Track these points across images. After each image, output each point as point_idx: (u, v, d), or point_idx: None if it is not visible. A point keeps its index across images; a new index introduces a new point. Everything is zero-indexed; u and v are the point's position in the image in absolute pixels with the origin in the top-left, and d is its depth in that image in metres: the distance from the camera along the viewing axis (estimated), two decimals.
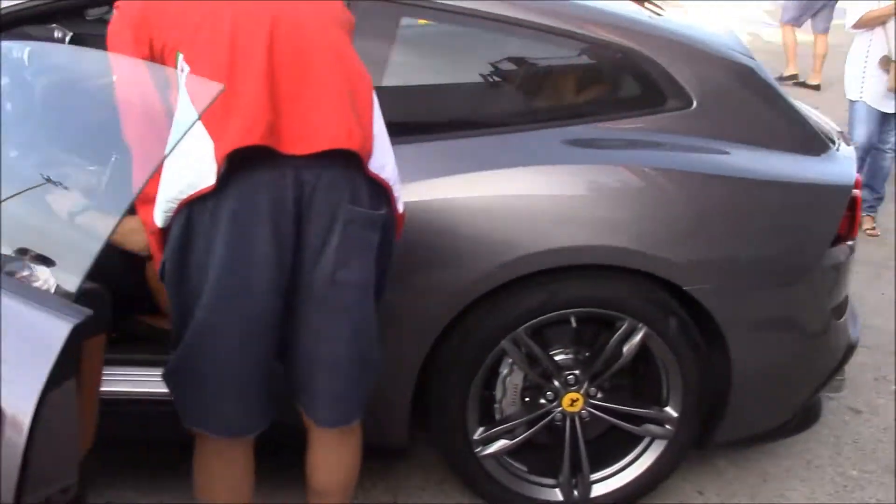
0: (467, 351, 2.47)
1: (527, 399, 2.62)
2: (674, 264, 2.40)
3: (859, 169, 4.44)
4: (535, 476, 2.67)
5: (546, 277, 2.42)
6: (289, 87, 1.68)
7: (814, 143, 2.65)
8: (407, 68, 2.43)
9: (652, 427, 2.63)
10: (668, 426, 2.62)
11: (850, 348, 2.77)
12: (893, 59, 4.89)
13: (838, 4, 8.13)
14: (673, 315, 2.47)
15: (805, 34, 8.88)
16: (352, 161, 1.74)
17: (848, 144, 2.82)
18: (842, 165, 2.64)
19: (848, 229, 2.59)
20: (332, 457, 2.04)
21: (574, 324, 2.53)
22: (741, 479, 2.97)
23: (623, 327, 2.48)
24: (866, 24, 5.02)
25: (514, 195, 2.36)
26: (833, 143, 2.70)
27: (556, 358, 2.57)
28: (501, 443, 2.59)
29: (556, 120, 2.50)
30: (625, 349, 2.51)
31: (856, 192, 2.59)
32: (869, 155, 5.15)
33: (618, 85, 2.63)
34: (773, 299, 2.54)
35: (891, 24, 4.92)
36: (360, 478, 2.81)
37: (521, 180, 2.38)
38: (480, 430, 2.57)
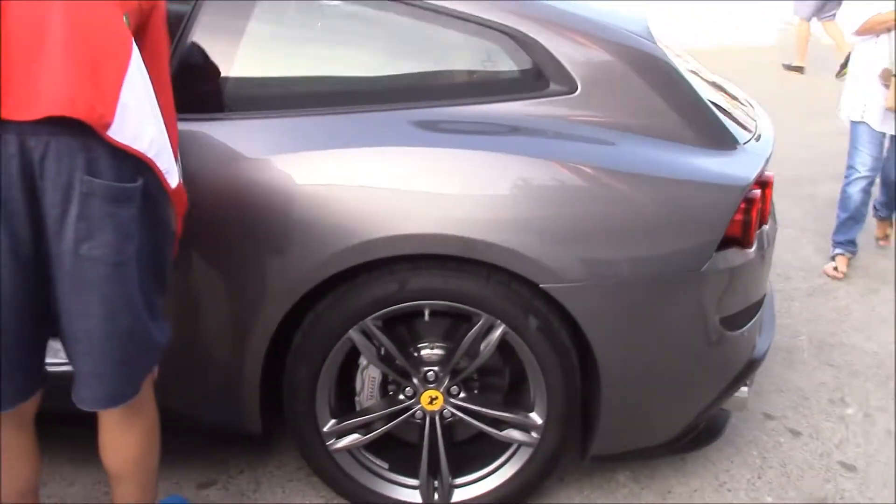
0: (315, 339, 2.35)
1: (390, 393, 2.50)
2: (528, 259, 2.22)
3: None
4: (396, 475, 2.54)
5: (400, 266, 2.29)
6: (18, 52, 1.60)
7: (715, 137, 2.41)
8: (253, 39, 2.32)
9: (515, 433, 2.46)
10: (533, 433, 2.45)
11: (752, 364, 2.53)
12: (895, 71, 4.08)
13: None
14: (533, 314, 2.30)
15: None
16: (87, 130, 1.65)
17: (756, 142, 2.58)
18: (742, 163, 2.40)
19: (743, 232, 2.36)
20: (117, 439, 1.96)
21: (427, 317, 2.39)
22: (637, 496, 2.77)
23: (479, 323, 2.33)
24: (870, 30, 4.17)
25: (359, 177, 2.22)
26: (737, 141, 2.45)
27: (423, 353, 2.44)
28: (354, 437, 2.47)
29: (416, 101, 2.33)
30: (482, 347, 2.35)
31: (755, 192, 2.36)
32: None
33: (493, 66, 2.45)
34: (648, 304, 2.33)
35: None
36: (227, 463, 2.78)
37: (367, 161, 2.25)
38: (332, 422, 2.45)
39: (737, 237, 2.35)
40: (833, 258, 4.58)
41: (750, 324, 2.50)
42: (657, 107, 2.39)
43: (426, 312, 2.38)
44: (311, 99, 2.34)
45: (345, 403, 2.53)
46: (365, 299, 2.30)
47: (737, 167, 2.38)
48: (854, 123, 4.41)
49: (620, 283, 2.28)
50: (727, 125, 2.47)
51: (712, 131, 2.43)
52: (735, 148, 2.43)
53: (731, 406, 2.59)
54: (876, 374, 3.59)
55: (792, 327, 3.96)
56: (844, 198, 4.51)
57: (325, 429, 2.45)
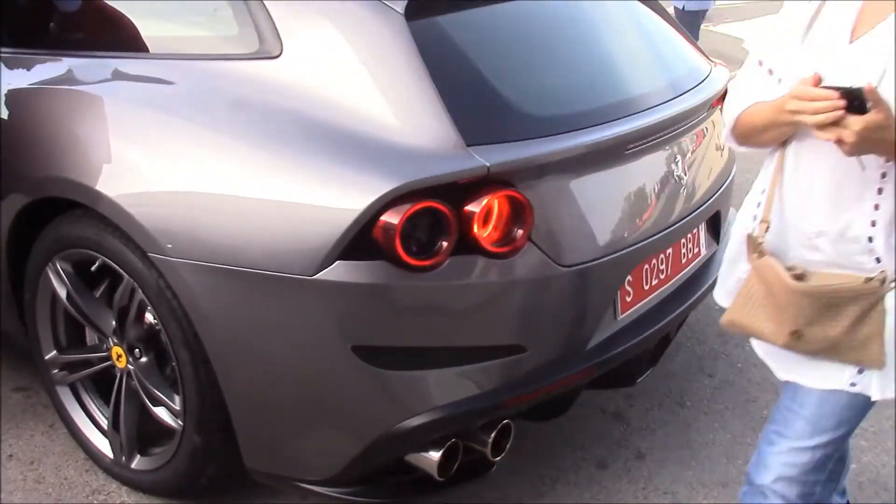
0: (30, 266, 2.44)
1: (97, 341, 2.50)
2: (136, 223, 2.04)
3: None
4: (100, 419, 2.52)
5: (74, 212, 2.26)
6: None
7: (426, 130, 1.93)
8: None
9: (164, 413, 2.27)
10: (179, 420, 2.23)
11: (431, 424, 1.97)
12: None
13: None
14: (162, 279, 2.08)
15: None
16: None
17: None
18: (426, 165, 1.88)
19: (389, 245, 1.85)
20: None
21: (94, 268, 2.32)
22: None
23: (123, 283, 2.20)
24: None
25: (37, 115, 2.25)
26: (464, 142, 1.93)
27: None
28: (63, 373, 2.51)
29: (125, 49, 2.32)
30: (131, 308, 2.22)
31: (424, 201, 1.83)
32: None
33: (214, 22, 2.25)
34: (263, 305, 1.96)
35: None
36: None
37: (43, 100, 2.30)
38: (53, 353, 2.52)
39: (385, 250, 1.86)
40: None
41: (422, 371, 1.96)
42: (362, 84, 2.00)
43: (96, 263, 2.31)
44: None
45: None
46: (50, 238, 2.33)
47: (410, 168, 1.88)
48: None
49: (230, 271, 1.97)
50: (452, 122, 1.94)
51: (422, 122, 1.95)
52: (455, 147, 1.92)
53: (424, 466, 2.05)
54: None
55: None
56: None
57: (47, 357, 2.52)
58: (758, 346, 1.83)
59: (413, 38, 2.02)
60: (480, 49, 2.15)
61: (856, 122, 1.45)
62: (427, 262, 1.89)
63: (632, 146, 2.21)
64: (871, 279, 1.60)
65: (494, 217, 1.96)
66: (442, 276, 1.92)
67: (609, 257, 2.16)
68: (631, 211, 2.25)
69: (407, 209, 1.84)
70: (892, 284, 1.60)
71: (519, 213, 1.97)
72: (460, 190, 1.92)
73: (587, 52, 2.43)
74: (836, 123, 1.47)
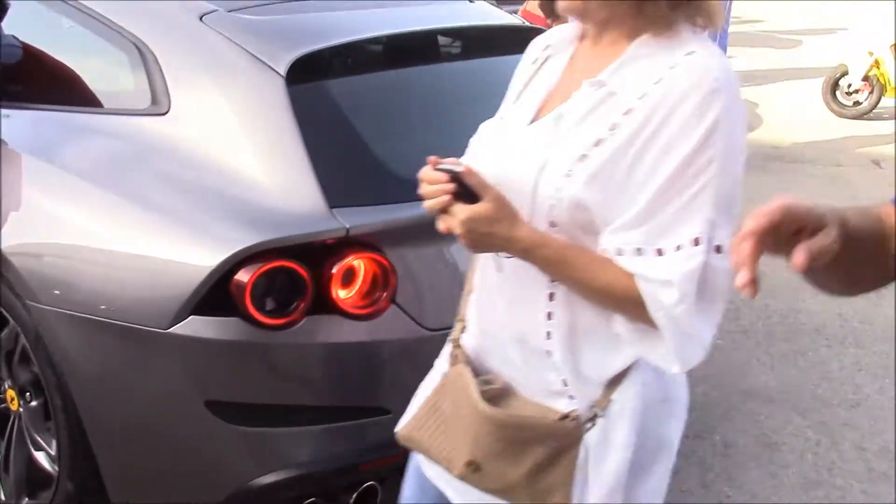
0: None
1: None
2: (13, 267, 2.09)
3: None
4: None
5: None
6: None
7: (293, 191, 1.98)
8: None
9: (42, 458, 2.30)
10: (55, 465, 2.25)
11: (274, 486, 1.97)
12: None
13: None
14: (39, 326, 2.11)
15: None
16: None
17: None
18: (273, 227, 1.91)
19: (239, 298, 1.87)
20: None
21: None
22: None
23: (10, 326, 2.25)
24: None
25: None
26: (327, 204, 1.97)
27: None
28: None
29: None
30: (16, 351, 2.27)
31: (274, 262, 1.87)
32: None
33: (118, 76, 2.35)
34: (125, 356, 2.01)
35: None
36: None
37: None
38: None
39: (238, 307, 1.89)
40: None
41: (276, 429, 1.97)
42: (237, 143, 2.05)
43: None
44: None
45: None
46: None
47: (268, 228, 1.92)
48: None
49: (96, 322, 2.01)
50: (318, 184, 1.98)
51: (289, 183, 1.99)
52: (316, 209, 1.95)
53: None
54: None
55: None
56: None
57: None
58: (430, 468, 1.49)
59: (290, 100, 2.07)
60: (357, 114, 2.19)
61: (461, 211, 1.21)
62: (280, 321, 1.91)
63: None
64: (565, 417, 1.29)
65: (358, 279, 1.98)
66: (298, 335, 1.93)
67: None
68: None
69: (258, 268, 1.87)
70: (589, 426, 1.29)
71: (382, 275, 1.99)
72: (320, 251, 1.94)
73: (469, 118, 2.45)
74: (446, 210, 1.22)
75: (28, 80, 2.52)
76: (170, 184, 2.05)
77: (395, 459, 2.09)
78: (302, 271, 1.91)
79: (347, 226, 1.94)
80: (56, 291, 2.05)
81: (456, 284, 2.10)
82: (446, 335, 2.06)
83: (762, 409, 3.34)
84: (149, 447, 2.06)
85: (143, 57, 2.21)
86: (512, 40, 2.56)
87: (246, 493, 2.00)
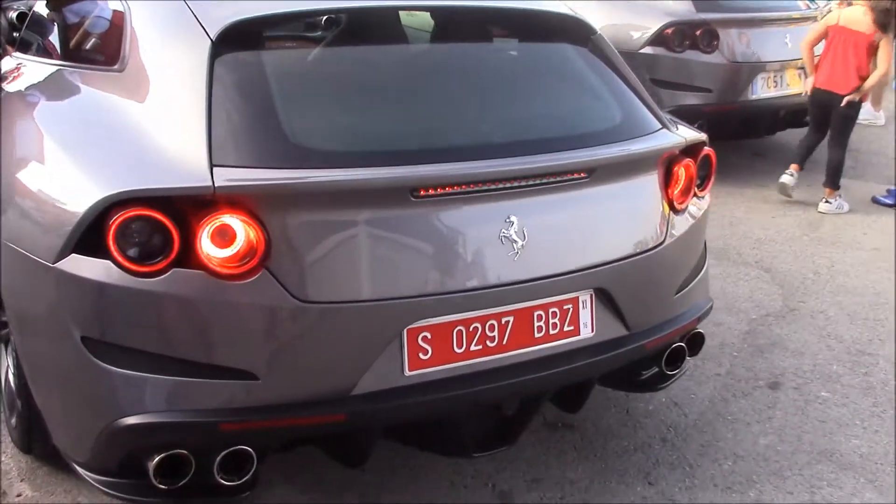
0: None
1: None
2: None
3: None
4: None
5: None
6: None
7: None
8: None
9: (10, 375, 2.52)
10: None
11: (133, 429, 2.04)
12: None
13: None
14: None
15: None
16: None
17: None
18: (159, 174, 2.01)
19: (106, 242, 1.96)
20: None
21: None
22: None
23: None
24: None
25: None
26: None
27: None
28: None
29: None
30: None
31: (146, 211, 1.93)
32: None
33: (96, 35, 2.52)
34: (29, 294, 2.20)
35: None
36: None
37: None
38: None
39: (108, 251, 1.97)
40: None
41: (141, 374, 2.02)
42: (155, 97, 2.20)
43: None
44: None
45: None
46: None
47: (141, 177, 2.02)
48: None
49: (12, 251, 2.21)
50: (207, 141, 2.03)
51: (181, 138, 2.07)
52: (194, 164, 2.00)
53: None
54: None
55: None
56: None
57: None
58: None
59: (210, 64, 2.13)
60: (277, 82, 2.18)
61: None
62: (144, 269, 1.97)
63: (424, 194, 2.09)
64: None
65: (230, 240, 1.98)
66: (162, 284, 1.98)
67: (369, 304, 2.07)
68: (414, 263, 2.13)
69: (121, 214, 1.94)
70: None
71: (255, 239, 1.98)
72: (191, 206, 1.98)
73: (408, 94, 2.34)
74: None
75: None
76: (89, 129, 2.21)
77: (259, 425, 2.10)
78: (168, 222, 1.96)
79: (214, 184, 1.96)
80: None
81: (351, 261, 2.06)
82: (327, 311, 2.03)
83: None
84: (52, 379, 2.21)
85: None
86: None
87: (112, 433, 2.07)
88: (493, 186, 2.19)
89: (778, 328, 3.96)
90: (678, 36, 6.03)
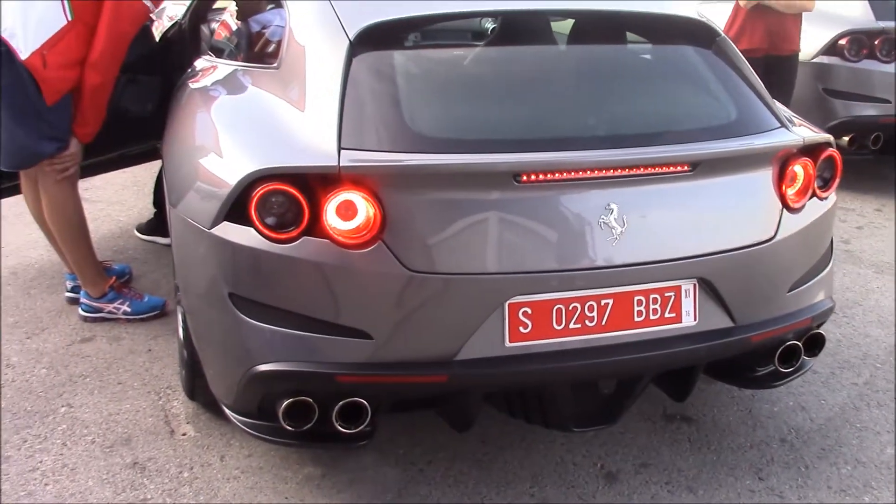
0: None
1: None
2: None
3: None
4: None
5: None
6: None
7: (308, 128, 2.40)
8: None
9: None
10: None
11: (259, 375, 2.39)
12: None
13: None
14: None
15: None
16: None
17: None
18: (294, 154, 2.37)
19: (249, 211, 2.30)
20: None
21: None
22: None
23: None
24: None
25: None
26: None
27: None
28: None
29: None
30: None
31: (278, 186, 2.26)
32: None
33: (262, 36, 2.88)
34: (184, 242, 2.58)
35: None
36: None
37: None
38: None
39: (251, 219, 2.31)
40: None
41: (272, 328, 2.34)
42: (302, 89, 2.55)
43: None
44: None
45: None
46: None
47: (280, 156, 2.36)
48: None
49: (180, 218, 2.64)
50: (338, 127, 2.33)
51: (317, 124, 2.39)
52: (325, 146, 2.31)
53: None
54: None
55: None
56: None
57: None
58: None
59: (347, 61, 2.43)
60: (402, 78, 2.46)
61: None
62: (280, 236, 2.29)
63: (526, 179, 2.28)
64: None
65: (352, 213, 2.26)
66: (294, 250, 2.29)
67: (472, 276, 2.29)
68: (514, 243, 2.32)
69: (262, 187, 2.27)
70: None
71: (372, 214, 2.25)
72: (319, 182, 2.28)
73: (521, 88, 2.53)
74: None
75: None
76: (248, 119, 2.60)
77: (371, 380, 2.37)
78: (300, 196, 2.27)
79: (341, 164, 2.25)
80: (175, 193, 2.73)
81: (459, 238, 2.29)
82: (432, 280, 2.27)
83: None
84: (208, 329, 2.59)
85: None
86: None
87: (250, 378, 2.40)
88: (591, 175, 2.35)
89: None
90: (855, 45, 5.84)
